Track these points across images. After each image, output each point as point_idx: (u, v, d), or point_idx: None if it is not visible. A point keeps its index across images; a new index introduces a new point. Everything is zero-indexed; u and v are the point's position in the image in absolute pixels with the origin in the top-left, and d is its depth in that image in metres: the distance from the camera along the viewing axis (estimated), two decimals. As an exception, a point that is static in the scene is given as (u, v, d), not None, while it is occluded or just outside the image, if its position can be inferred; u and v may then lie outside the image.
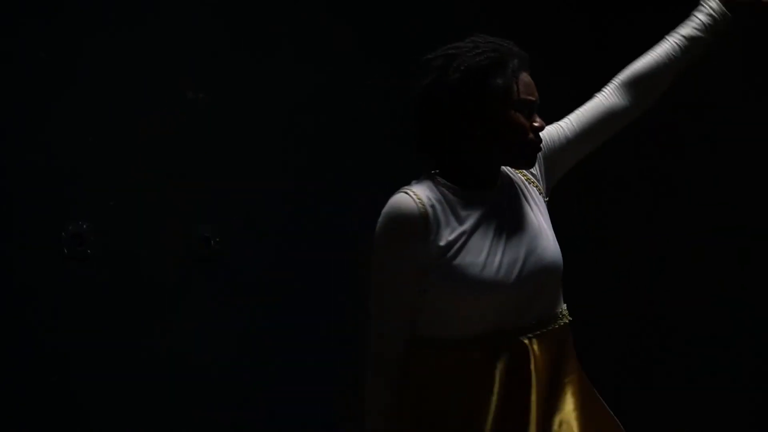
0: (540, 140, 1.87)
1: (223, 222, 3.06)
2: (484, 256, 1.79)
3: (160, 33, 2.99)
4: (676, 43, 2.04)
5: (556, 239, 1.92)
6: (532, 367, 1.80)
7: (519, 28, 3.60)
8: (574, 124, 2.03)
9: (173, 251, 2.98)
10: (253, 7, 3.13)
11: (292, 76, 3.16)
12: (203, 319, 3.03)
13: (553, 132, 2.01)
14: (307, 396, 3.09)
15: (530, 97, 1.83)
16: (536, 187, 1.98)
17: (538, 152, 1.88)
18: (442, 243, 1.79)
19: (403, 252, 1.80)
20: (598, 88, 2.07)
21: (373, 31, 3.31)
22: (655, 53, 2.05)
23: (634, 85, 2.04)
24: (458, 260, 1.78)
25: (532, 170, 1.98)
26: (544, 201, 1.98)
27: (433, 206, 1.81)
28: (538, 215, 1.92)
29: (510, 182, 1.94)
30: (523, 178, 1.97)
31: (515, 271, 1.81)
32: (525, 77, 1.84)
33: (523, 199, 1.92)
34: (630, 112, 2.05)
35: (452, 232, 1.80)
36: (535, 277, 1.84)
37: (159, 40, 2.98)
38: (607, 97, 2.04)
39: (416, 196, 1.81)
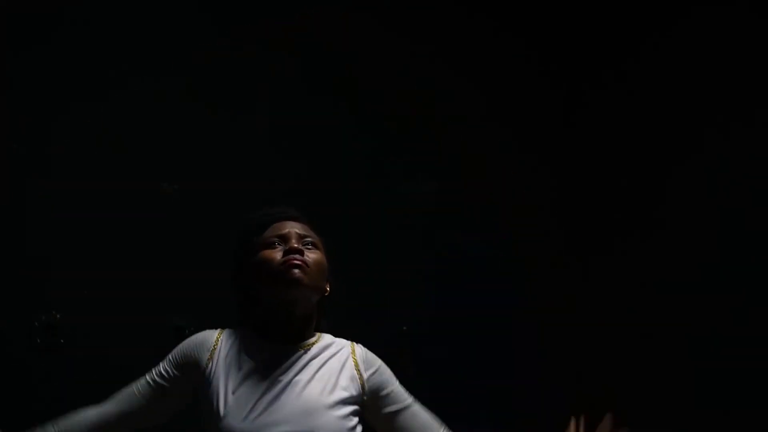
0: (291, 256, 2.01)
1: (197, 312, 3.03)
2: (231, 401, 1.93)
3: (134, 124, 3.01)
4: None
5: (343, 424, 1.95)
6: None
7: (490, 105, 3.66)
8: (398, 423, 2.08)
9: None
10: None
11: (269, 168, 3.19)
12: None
13: (394, 401, 2.08)
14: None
15: (277, 233, 2.07)
16: (359, 378, 2.05)
17: (292, 267, 2.00)
18: (208, 372, 1.99)
19: (186, 353, 2.05)
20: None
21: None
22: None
23: None
24: (210, 393, 1.96)
25: (361, 368, 2.06)
26: (360, 396, 2.03)
27: (227, 342, 2.04)
28: (332, 396, 1.97)
29: (330, 354, 2.05)
30: (352, 363, 2.06)
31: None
32: (278, 225, 2.10)
33: (329, 374, 2.01)
34: None
35: (227, 368, 1.99)
36: None
37: (134, 132, 3.01)
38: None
39: (220, 331, 2.09)
